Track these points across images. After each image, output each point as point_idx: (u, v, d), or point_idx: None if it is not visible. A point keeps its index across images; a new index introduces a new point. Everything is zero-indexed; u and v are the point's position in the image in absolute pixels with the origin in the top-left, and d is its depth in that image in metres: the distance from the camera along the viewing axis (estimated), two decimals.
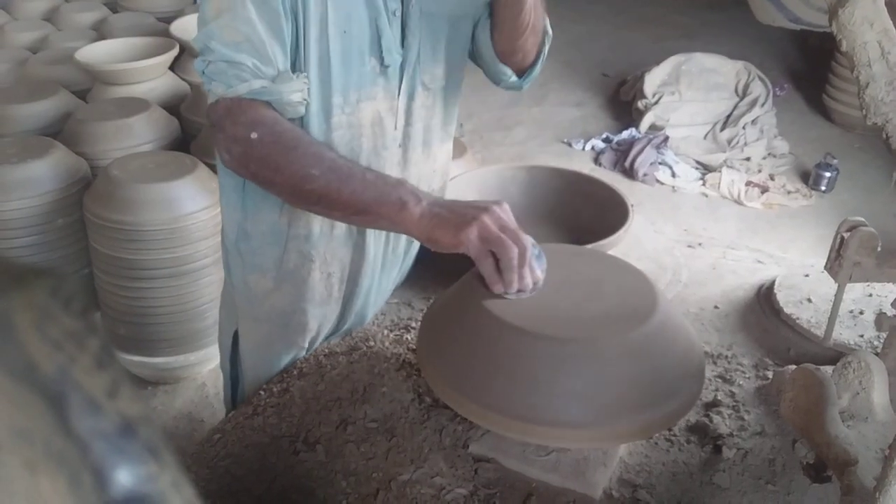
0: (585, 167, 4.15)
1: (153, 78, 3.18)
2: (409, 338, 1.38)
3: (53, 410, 0.27)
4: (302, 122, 1.21)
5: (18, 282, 0.29)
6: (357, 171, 1.13)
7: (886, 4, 0.64)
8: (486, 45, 1.34)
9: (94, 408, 0.29)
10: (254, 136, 1.11)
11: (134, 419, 0.30)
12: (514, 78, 1.38)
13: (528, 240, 1.09)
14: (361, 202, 1.11)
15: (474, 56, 1.39)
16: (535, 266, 1.08)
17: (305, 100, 1.18)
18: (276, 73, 1.14)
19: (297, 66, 1.18)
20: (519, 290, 1.07)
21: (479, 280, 1.09)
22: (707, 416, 1.20)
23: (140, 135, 2.79)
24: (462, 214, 1.06)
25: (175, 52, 3.23)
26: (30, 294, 0.29)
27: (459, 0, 1.29)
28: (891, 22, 0.65)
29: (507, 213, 1.07)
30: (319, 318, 1.40)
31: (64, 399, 0.28)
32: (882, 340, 1.26)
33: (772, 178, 4.20)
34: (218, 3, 1.11)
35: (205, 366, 2.68)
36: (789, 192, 4.09)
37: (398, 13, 1.21)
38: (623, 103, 5.04)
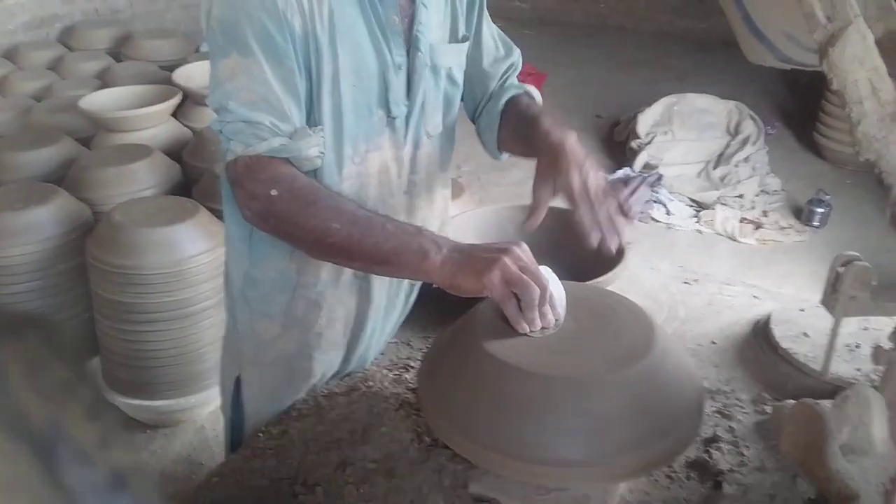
0: None
1: (156, 125, 3.21)
2: (409, 377, 1.38)
3: (43, 461, 0.27)
4: (316, 174, 1.22)
5: (10, 331, 0.29)
6: (377, 222, 1.14)
7: (877, 44, 0.67)
8: (491, 143, 1.46)
9: (84, 459, 0.29)
10: (273, 193, 1.13)
11: (125, 471, 0.30)
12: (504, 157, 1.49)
13: (548, 276, 1.11)
14: (383, 253, 1.11)
15: (477, 135, 1.49)
16: (555, 303, 1.10)
17: (321, 153, 1.20)
18: (294, 130, 1.16)
19: (311, 119, 1.20)
20: (542, 328, 1.08)
21: (496, 318, 1.10)
22: (707, 451, 1.20)
23: (142, 180, 2.82)
24: (483, 259, 1.07)
25: (178, 99, 3.28)
26: (22, 344, 0.29)
27: (457, 52, 1.35)
28: (881, 60, 0.67)
29: (526, 254, 1.08)
30: (324, 364, 1.40)
31: (54, 450, 0.28)
32: (880, 374, 1.27)
33: (765, 214, 4.22)
34: (234, 64, 1.13)
35: (204, 408, 2.66)
36: (783, 228, 4.11)
37: (404, 66, 1.25)
38: (617, 143, 5.09)
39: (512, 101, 1.44)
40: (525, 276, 1.05)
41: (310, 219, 1.13)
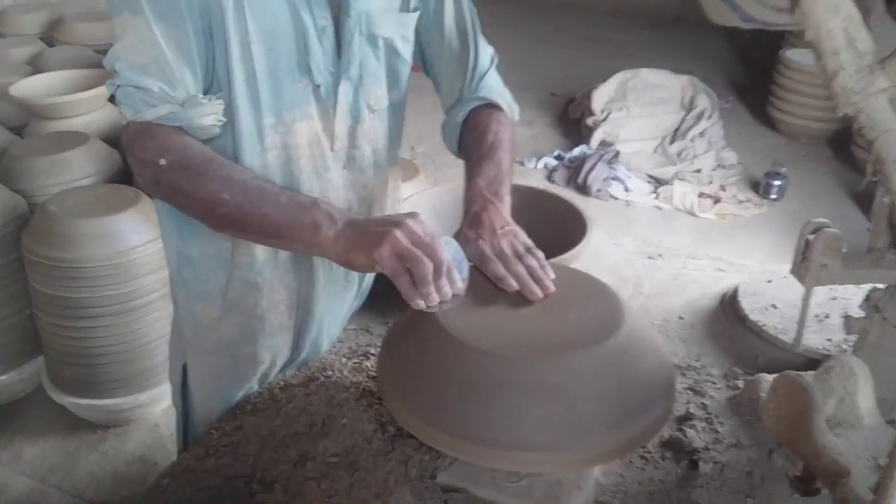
0: (539, 185, 4.15)
1: (92, 110, 3.09)
2: (369, 365, 1.33)
3: None
4: (234, 143, 1.17)
5: None
6: (270, 193, 1.10)
7: None
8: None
9: None
10: (162, 162, 1.10)
11: None
12: None
13: (450, 248, 1.07)
14: (274, 225, 1.09)
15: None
16: (455, 276, 1.06)
17: (220, 121, 1.14)
18: (186, 97, 1.11)
19: (219, 85, 1.14)
20: (441, 302, 1.04)
21: None
22: (680, 430, 1.17)
23: (79, 169, 2.71)
24: (373, 233, 1.04)
25: None
26: None
27: (399, 22, 1.27)
28: (855, 8, 0.63)
29: (420, 225, 1.04)
30: (271, 350, 1.34)
31: None
32: (851, 344, 1.24)
33: (723, 188, 4.26)
34: (123, 22, 1.09)
35: (157, 405, 2.59)
36: (741, 202, 4.15)
37: (329, 31, 1.18)
38: (572, 121, 5.08)
39: (470, 120, 1.37)
40: (416, 250, 1.01)
41: (200, 189, 1.10)
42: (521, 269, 1.10)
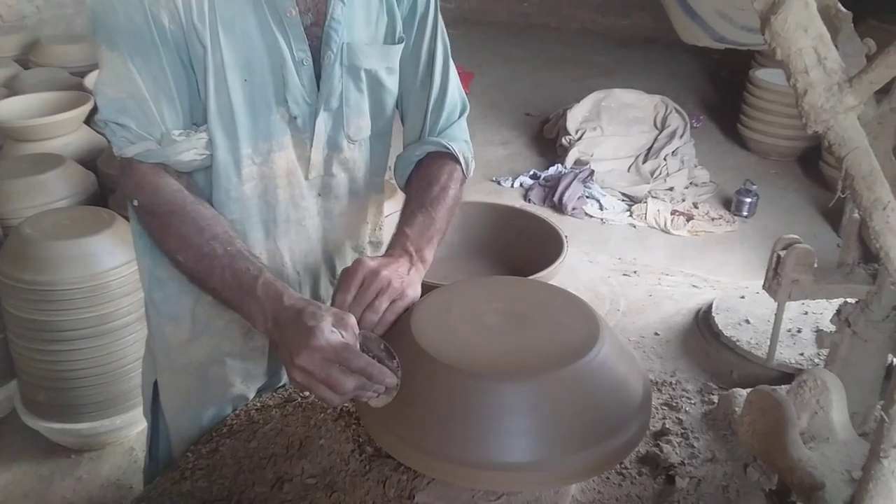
0: (516, 204, 4.17)
1: (68, 132, 3.08)
2: None
3: None
4: (211, 175, 1.17)
5: None
6: (217, 267, 1.08)
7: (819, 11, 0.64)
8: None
9: None
10: (135, 203, 1.14)
11: None
12: None
13: (370, 341, 1.01)
14: (221, 299, 1.11)
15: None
16: (382, 375, 0.98)
17: (202, 155, 1.14)
18: (163, 133, 1.11)
19: (196, 117, 1.14)
20: (379, 396, 1.00)
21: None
22: (657, 445, 1.18)
23: (55, 191, 2.69)
24: (285, 357, 0.99)
25: (90, 105, 3.14)
26: None
27: (384, 54, 1.25)
28: (825, 27, 0.64)
29: (318, 351, 0.95)
30: (242, 372, 1.33)
31: None
32: (823, 358, 1.26)
33: (695, 206, 4.31)
34: (102, 55, 1.09)
35: (132, 429, 2.56)
36: (713, 219, 4.20)
37: (307, 63, 1.17)
38: (547, 141, 5.13)
39: (424, 165, 1.32)
40: (319, 387, 0.96)
41: (162, 241, 1.15)
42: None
